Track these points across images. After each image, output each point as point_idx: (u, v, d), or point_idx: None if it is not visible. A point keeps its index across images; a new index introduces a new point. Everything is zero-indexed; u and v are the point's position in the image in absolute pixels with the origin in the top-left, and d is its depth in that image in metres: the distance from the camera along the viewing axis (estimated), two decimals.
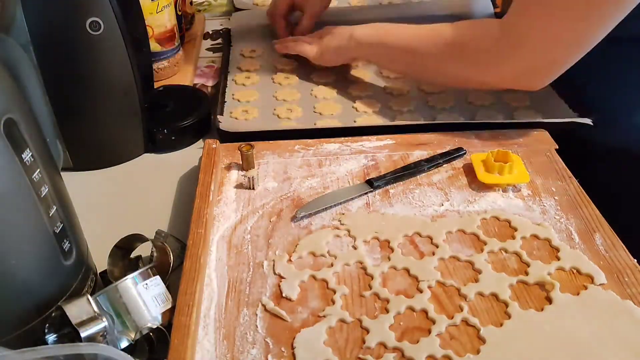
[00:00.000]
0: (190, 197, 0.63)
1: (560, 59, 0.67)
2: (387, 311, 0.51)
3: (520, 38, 0.66)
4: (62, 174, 0.53)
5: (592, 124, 0.74)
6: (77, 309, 0.46)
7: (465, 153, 0.70)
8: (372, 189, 0.65)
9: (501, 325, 0.50)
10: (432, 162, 0.68)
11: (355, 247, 0.58)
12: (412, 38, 0.76)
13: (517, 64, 0.68)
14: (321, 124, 0.79)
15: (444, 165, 0.69)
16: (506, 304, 0.52)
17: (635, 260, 0.55)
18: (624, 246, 0.57)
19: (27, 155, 0.45)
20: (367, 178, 0.66)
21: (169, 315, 0.50)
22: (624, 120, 0.79)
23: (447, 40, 0.72)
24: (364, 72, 0.91)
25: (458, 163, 0.70)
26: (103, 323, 0.46)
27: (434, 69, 0.76)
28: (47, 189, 0.47)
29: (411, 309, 0.52)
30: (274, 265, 0.57)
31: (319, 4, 0.99)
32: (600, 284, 0.53)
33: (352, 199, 0.64)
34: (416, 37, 0.75)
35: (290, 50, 0.91)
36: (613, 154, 0.83)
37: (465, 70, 0.72)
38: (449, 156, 0.69)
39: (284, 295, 0.53)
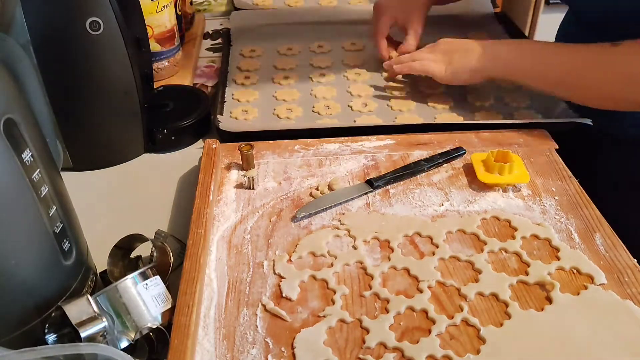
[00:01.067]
0: (190, 197, 0.63)
1: None
2: (387, 311, 0.51)
3: None
4: (62, 174, 0.53)
5: (591, 124, 0.74)
6: (77, 309, 0.46)
7: (465, 153, 0.70)
8: (372, 189, 0.65)
9: (501, 325, 0.50)
10: (432, 162, 0.68)
11: (355, 247, 0.58)
12: (572, 62, 0.72)
13: None
14: (321, 124, 0.79)
15: (444, 165, 0.69)
16: (506, 304, 0.52)
17: (635, 260, 0.55)
18: (624, 246, 0.57)
19: (27, 155, 0.45)
20: (367, 178, 0.66)
21: (169, 315, 0.50)
22: (624, 120, 0.79)
23: (617, 67, 0.69)
24: (364, 72, 0.91)
25: (458, 163, 0.70)
26: (103, 323, 0.46)
27: (597, 93, 0.72)
28: (47, 189, 0.47)
29: (411, 309, 0.52)
30: (274, 265, 0.57)
31: (422, 20, 0.91)
32: (600, 284, 0.53)
33: (352, 199, 0.64)
34: (577, 61, 0.72)
35: (414, 70, 0.82)
36: (613, 151, 0.83)
37: (630, 93, 0.70)
38: (448, 156, 0.69)
39: (284, 295, 0.53)
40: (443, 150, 0.70)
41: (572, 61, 0.72)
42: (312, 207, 0.63)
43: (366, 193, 0.65)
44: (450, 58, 0.79)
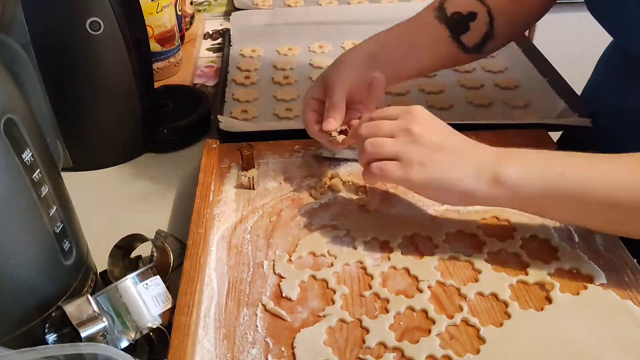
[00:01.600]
0: (190, 197, 0.63)
1: None
2: (387, 311, 0.51)
3: None
4: (62, 174, 0.53)
5: (591, 124, 0.74)
6: (77, 309, 0.46)
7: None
8: None
9: (501, 325, 0.50)
10: None
11: (355, 247, 0.58)
12: (612, 187, 0.50)
13: None
14: None
15: None
16: (506, 304, 0.52)
17: (635, 260, 0.55)
18: (624, 246, 0.57)
19: (27, 155, 0.45)
20: None
21: (169, 315, 0.50)
22: (624, 119, 0.79)
23: None
24: None
25: None
26: (103, 323, 0.46)
27: None
28: (47, 189, 0.47)
29: (411, 309, 0.52)
30: (274, 265, 0.57)
31: (378, 98, 0.65)
32: (599, 284, 0.53)
33: None
34: (620, 186, 0.49)
35: (387, 179, 0.57)
36: (613, 151, 0.83)
37: None
38: None
39: (284, 295, 0.53)
40: None
41: (612, 187, 0.50)
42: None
43: None
44: (427, 157, 0.53)
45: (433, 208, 0.63)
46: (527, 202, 0.52)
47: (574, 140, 0.76)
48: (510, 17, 0.71)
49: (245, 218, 0.62)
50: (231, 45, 1.01)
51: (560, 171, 0.50)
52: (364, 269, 0.56)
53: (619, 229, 0.54)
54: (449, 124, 0.78)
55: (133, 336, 0.48)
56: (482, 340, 0.49)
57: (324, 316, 0.51)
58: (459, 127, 0.75)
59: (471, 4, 0.71)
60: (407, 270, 0.56)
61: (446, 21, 0.71)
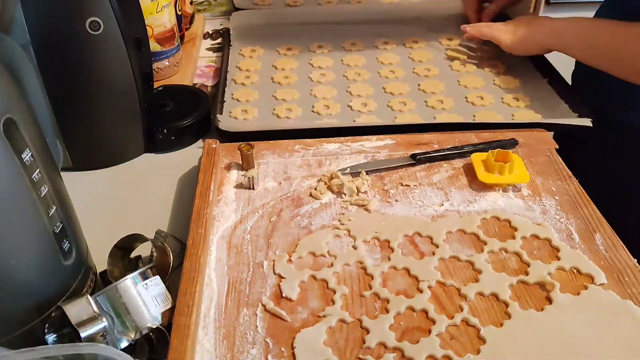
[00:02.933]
0: (190, 197, 0.63)
1: None
2: (387, 311, 0.51)
3: None
4: (62, 174, 0.53)
5: (591, 124, 0.74)
6: (77, 309, 0.46)
7: (517, 143, 0.72)
8: (414, 162, 0.69)
9: (501, 325, 0.50)
10: (482, 148, 0.70)
11: (355, 247, 0.58)
12: (617, 36, 0.74)
13: None
14: (320, 123, 0.79)
15: (444, 165, 0.69)
16: (506, 304, 0.52)
17: (635, 260, 0.55)
18: (624, 246, 0.57)
19: (27, 155, 0.45)
20: (412, 152, 0.70)
21: (169, 315, 0.50)
22: (624, 120, 0.80)
23: None
24: (364, 72, 0.91)
25: (458, 163, 0.70)
26: (103, 323, 0.46)
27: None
28: (47, 189, 0.47)
29: (411, 309, 0.52)
30: (274, 265, 0.57)
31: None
32: (600, 284, 0.53)
33: (394, 167, 0.69)
34: (622, 36, 0.74)
35: (484, 35, 0.91)
36: (613, 151, 0.84)
37: None
38: (500, 144, 0.71)
39: (284, 295, 0.53)
40: (494, 139, 0.72)
41: (617, 36, 0.74)
42: (355, 166, 0.68)
43: (407, 165, 0.69)
44: (516, 29, 0.87)
45: (433, 208, 0.63)
46: (568, 44, 0.80)
47: (574, 140, 0.76)
48: None
49: (245, 218, 0.62)
50: (231, 45, 1.01)
51: (587, 25, 0.79)
52: (364, 269, 0.56)
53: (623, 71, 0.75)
54: (449, 123, 0.78)
55: (133, 336, 0.48)
56: (483, 341, 0.49)
57: (324, 316, 0.51)
58: (459, 127, 0.76)
59: None
60: (407, 270, 0.56)
61: None
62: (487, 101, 0.83)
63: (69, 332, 0.47)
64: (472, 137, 0.73)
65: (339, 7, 1.13)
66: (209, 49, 1.05)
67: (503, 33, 0.88)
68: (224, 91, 0.87)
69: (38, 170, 0.46)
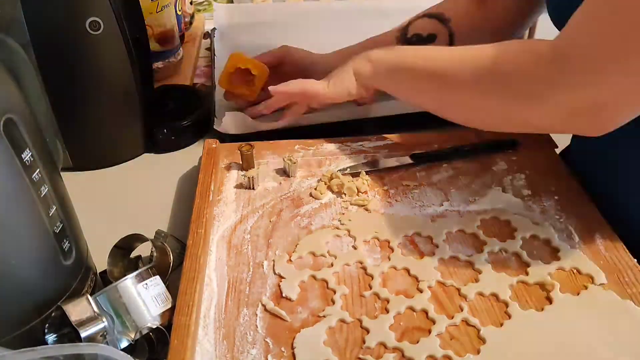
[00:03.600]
0: (190, 197, 0.63)
1: (635, 94, 0.48)
2: (387, 311, 0.51)
3: (575, 61, 0.49)
4: (62, 174, 0.53)
5: None
6: (77, 309, 0.46)
7: (518, 145, 0.71)
8: (414, 162, 0.69)
9: (501, 325, 0.50)
10: (481, 149, 0.71)
11: (355, 247, 0.58)
12: (441, 60, 0.61)
13: (571, 98, 0.50)
14: (318, 119, 0.78)
15: (444, 165, 0.69)
16: (506, 304, 0.52)
17: (635, 260, 0.55)
18: (624, 246, 0.57)
19: (27, 155, 0.45)
20: (412, 153, 0.70)
21: (169, 315, 0.50)
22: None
23: (485, 64, 0.55)
24: None
25: (458, 163, 0.70)
26: (103, 323, 0.46)
27: (468, 102, 0.59)
28: (47, 189, 0.47)
29: (411, 309, 0.52)
30: (274, 265, 0.57)
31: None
32: (600, 284, 0.53)
33: (395, 168, 0.68)
34: (446, 58, 0.60)
35: (291, 89, 0.72)
36: (613, 152, 0.83)
37: (506, 104, 0.55)
38: (500, 146, 0.72)
39: (284, 295, 0.53)
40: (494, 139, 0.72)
41: (441, 61, 0.61)
42: (355, 166, 0.68)
43: (407, 165, 0.69)
44: (330, 75, 0.72)
45: (433, 208, 0.63)
46: (385, 76, 0.67)
47: (574, 140, 0.75)
48: (477, 39, 0.64)
49: (245, 218, 0.62)
50: (214, 41, 0.99)
51: (406, 52, 0.67)
52: (364, 269, 0.56)
53: (450, 108, 0.63)
54: (449, 122, 0.77)
55: (133, 336, 0.48)
56: (483, 341, 0.49)
57: (324, 316, 0.51)
58: (459, 127, 0.75)
59: (433, 26, 0.77)
60: (407, 270, 0.56)
61: (404, 41, 0.77)
62: None
63: (69, 332, 0.47)
64: (472, 137, 0.73)
65: (335, 4, 1.13)
66: (209, 49, 1.05)
67: (315, 81, 0.72)
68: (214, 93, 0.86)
69: (38, 170, 0.46)
